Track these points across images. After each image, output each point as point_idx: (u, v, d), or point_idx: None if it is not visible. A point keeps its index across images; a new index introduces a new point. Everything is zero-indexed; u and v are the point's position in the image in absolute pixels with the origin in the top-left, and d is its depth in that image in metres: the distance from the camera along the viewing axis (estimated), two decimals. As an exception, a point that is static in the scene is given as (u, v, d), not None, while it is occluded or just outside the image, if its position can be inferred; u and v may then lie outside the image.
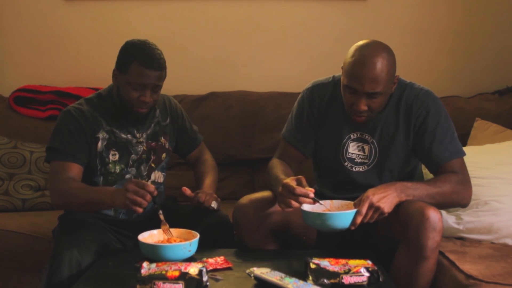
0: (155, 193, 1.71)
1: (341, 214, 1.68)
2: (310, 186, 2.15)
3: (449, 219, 1.99)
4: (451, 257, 1.79)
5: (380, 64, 1.74)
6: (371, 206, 1.67)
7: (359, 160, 1.95)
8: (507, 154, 2.13)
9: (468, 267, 1.71)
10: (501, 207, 1.98)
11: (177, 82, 2.80)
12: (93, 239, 1.80)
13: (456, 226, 1.98)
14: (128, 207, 1.71)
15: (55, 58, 2.85)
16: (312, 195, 1.69)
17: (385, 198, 1.69)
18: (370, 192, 1.71)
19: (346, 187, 1.97)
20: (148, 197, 1.69)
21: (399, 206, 1.79)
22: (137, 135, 2.00)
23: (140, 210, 1.70)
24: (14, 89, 2.72)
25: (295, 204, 1.69)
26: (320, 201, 1.74)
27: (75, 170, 1.89)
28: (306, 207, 1.74)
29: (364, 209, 1.67)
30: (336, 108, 1.95)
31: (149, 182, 2.02)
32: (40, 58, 2.85)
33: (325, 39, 2.84)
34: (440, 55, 2.87)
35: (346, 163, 1.96)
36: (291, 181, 1.72)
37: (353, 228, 1.67)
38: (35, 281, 1.85)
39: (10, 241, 2.17)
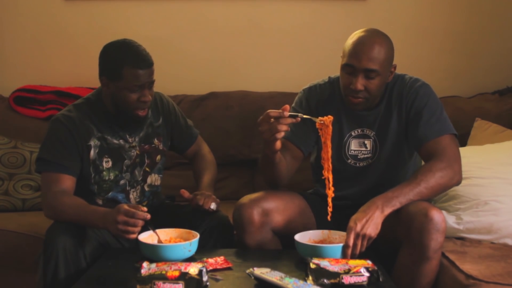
0: (148, 217, 1.65)
1: (329, 247, 1.68)
2: (311, 186, 2.17)
3: (449, 219, 1.99)
4: (451, 257, 1.80)
5: (378, 45, 1.81)
6: (357, 236, 1.67)
7: (362, 156, 1.96)
8: (507, 154, 2.13)
9: (468, 267, 1.71)
10: (501, 207, 1.98)
11: (177, 82, 2.81)
12: (88, 228, 1.78)
13: (456, 226, 1.99)
14: (119, 236, 1.68)
15: (55, 58, 2.85)
16: (286, 113, 1.65)
17: (368, 223, 1.68)
18: (352, 221, 1.69)
19: (351, 182, 1.98)
20: (140, 223, 1.64)
21: (402, 208, 1.79)
22: (129, 140, 1.96)
23: (132, 237, 1.65)
24: (14, 89, 2.72)
25: (280, 127, 1.65)
26: (299, 115, 1.70)
27: (68, 182, 1.85)
28: (299, 237, 1.74)
29: (350, 241, 1.66)
30: (335, 107, 1.96)
31: (145, 187, 2.02)
32: (40, 58, 2.85)
33: (325, 39, 2.84)
34: (440, 55, 2.87)
35: (349, 160, 1.97)
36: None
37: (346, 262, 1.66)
38: (34, 281, 1.85)
39: (10, 241, 2.17)
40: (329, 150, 1.75)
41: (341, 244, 1.67)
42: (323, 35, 2.85)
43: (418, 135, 1.86)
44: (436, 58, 2.86)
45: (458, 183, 1.83)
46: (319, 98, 2.00)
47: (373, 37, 1.83)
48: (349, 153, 1.97)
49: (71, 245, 1.70)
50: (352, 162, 1.97)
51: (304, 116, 1.72)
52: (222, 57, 2.86)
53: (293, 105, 2.03)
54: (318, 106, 1.98)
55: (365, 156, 1.96)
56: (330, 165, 1.76)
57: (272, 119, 1.67)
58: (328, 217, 1.78)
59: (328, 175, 1.76)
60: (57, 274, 1.69)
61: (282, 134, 1.68)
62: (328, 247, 1.69)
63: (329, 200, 1.77)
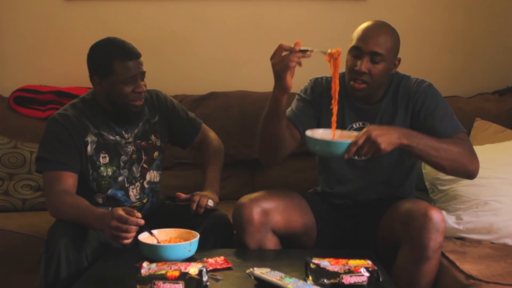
0: (142, 222, 1.65)
1: (338, 142, 1.70)
2: (311, 186, 2.17)
3: (449, 219, 1.99)
4: (451, 257, 1.80)
5: (385, 33, 1.86)
6: (368, 139, 1.66)
7: None
8: (507, 154, 2.14)
9: (468, 267, 1.71)
10: (501, 207, 1.98)
11: (177, 82, 2.81)
12: (89, 229, 1.79)
13: (456, 226, 1.99)
14: (113, 240, 1.68)
15: (55, 58, 2.85)
16: (298, 47, 1.70)
17: (385, 136, 1.68)
18: (371, 127, 1.70)
19: (350, 177, 1.98)
20: (133, 229, 1.64)
21: (401, 206, 1.79)
22: (126, 136, 1.97)
23: (126, 242, 1.65)
24: (14, 89, 2.72)
25: (292, 57, 1.69)
26: (309, 49, 1.73)
27: (69, 179, 1.86)
28: (310, 132, 1.76)
29: (360, 140, 1.66)
30: (339, 99, 1.97)
31: (144, 183, 2.02)
32: (40, 58, 2.85)
33: (325, 39, 2.83)
34: (441, 55, 2.87)
35: None
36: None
37: (346, 156, 1.67)
38: (35, 281, 1.85)
39: (10, 241, 2.18)
40: (337, 82, 1.78)
41: (349, 141, 1.67)
42: (323, 35, 2.85)
43: (438, 133, 1.84)
44: (436, 58, 2.86)
45: (473, 173, 1.82)
46: (324, 89, 2.01)
47: (381, 26, 1.87)
48: None
49: (73, 244, 1.70)
50: None
51: (315, 50, 1.74)
52: (222, 57, 2.86)
53: (298, 92, 2.06)
54: (322, 97, 2.00)
55: None
56: (337, 96, 1.78)
57: (283, 53, 1.69)
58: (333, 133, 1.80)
59: (335, 106, 1.79)
60: (58, 273, 1.69)
61: (294, 64, 1.70)
62: (335, 142, 1.71)
63: (333, 126, 1.79)
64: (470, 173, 1.83)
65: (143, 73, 1.90)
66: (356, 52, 1.85)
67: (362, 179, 1.97)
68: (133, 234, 1.65)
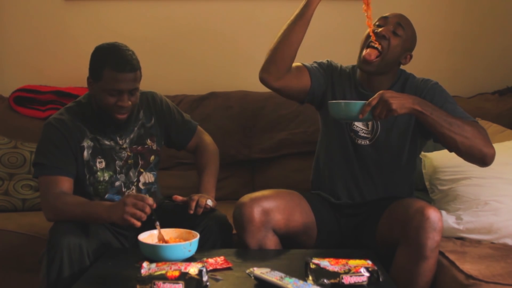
0: (154, 205, 1.71)
1: (352, 103, 1.76)
2: (308, 181, 2.17)
3: (449, 219, 1.99)
4: (451, 257, 1.80)
5: (409, 22, 1.98)
6: (381, 99, 1.70)
7: (363, 134, 1.98)
8: (507, 154, 2.13)
9: (468, 267, 1.71)
10: (501, 207, 1.98)
11: (177, 82, 2.81)
12: (90, 228, 1.79)
13: (456, 226, 1.99)
14: (125, 221, 1.69)
15: (55, 58, 2.85)
16: None
17: (398, 98, 1.72)
18: (385, 90, 1.75)
19: (349, 162, 2.00)
20: (147, 209, 1.69)
21: (399, 206, 1.79)
22: (120, 142, 1.96)
23: (138, 224, 1.68)
24: (14, 89, 2.72)
25: None
26: None
27: (66, 183, 1.86)
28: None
29: (374, 101, 1.71)
30: (348, 86, 2.03)
31: (140, 185, 2.01)
32: (40, 58, 2.85)
33: (324, 39, 2.84)
34: (440, 55, 2.87)
35: (351, 134, 1.99)
36: None
37: (361, 116, 1.72)
38: (35, 281, 1.85)
39: (10, 241, 2.17)
40: None
41: (362, 102, 1.73)
42: (323, 35, 2.85)
43: None
44: (436, 58, 2.86)
45: (487, 156, 1.78)
46: (337, 72, 2.07)
47: (407, 18, 1.98)
48: (352, 127, 1.99)
49: (75, 244, 1.70)
50: (353, 135, 1.99)
51: None
52: (222, 57, 2.86)
53: (315, 60, 2.10)
54: (334, 78, 2.05)
55: (365, 135, 1.98)
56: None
57: None
58: (370, 31, 1.90)
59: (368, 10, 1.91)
60: (61, 273, 1.69)
61: None
62: (349, 102, 1.78)
63: (370, 31, 1.91)
64: (484, 156, 1.78)
65: (133, 90, 1.86)
66: (381, 21, 1.95)
67: (359, 166, 1.98)
68: (145, 216, 1.69)
